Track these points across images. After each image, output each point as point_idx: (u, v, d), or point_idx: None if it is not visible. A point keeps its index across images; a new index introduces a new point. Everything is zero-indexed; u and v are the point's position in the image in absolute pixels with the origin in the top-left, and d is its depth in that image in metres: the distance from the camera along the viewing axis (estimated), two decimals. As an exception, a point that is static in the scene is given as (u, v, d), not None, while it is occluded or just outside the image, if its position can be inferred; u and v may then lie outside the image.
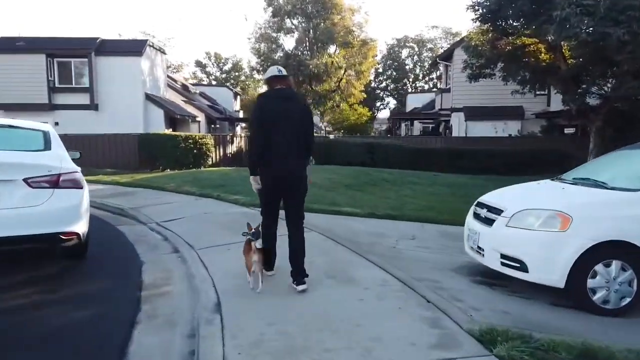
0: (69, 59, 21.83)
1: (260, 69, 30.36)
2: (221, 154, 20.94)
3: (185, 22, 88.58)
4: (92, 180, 12.74)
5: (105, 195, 10.19)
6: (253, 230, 4.05)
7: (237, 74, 67.73)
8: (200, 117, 29.06)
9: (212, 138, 19.12)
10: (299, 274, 4.09)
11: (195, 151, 17.69)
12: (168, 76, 32.17)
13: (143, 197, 9.84)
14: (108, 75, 21.80)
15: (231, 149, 21.34)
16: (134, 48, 22.28)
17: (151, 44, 23.60)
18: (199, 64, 67.99)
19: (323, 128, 68.75)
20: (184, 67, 65.32)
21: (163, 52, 25.79)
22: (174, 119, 24.31)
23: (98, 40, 22.30)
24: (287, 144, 4.01)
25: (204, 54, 73.02)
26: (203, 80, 58.67)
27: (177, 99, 28.45)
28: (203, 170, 14.76)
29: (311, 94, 28.61)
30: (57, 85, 21.89)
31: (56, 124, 21.97)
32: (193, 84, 41.93)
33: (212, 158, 18.99)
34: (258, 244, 4.00)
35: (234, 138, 23.42)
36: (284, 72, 4.26)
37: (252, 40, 29.56)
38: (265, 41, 29.09)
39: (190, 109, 28.72)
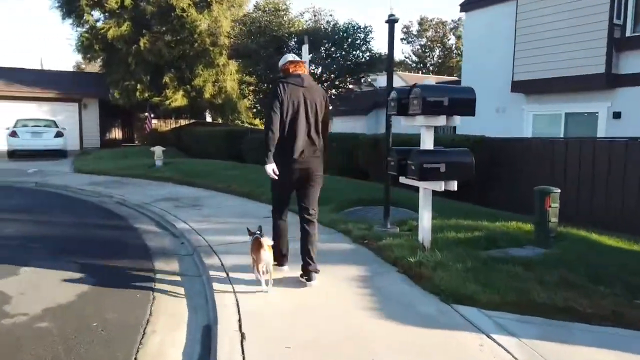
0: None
1: None
2: None
3: None
4: None
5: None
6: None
7: None
8: None
9: None
10: (311, 269, 3.99)
11: None
12: None
13: None
14: None
15: None
16: None
17: None
18: None
19: None
20: None
21: None
22: None
23: None
24: (306, 133, 3.95)
25: None
26: None
27: None
28: None
29: None
30: (627, 34, 10.35)
31: (615, 115, 10.57)
32: None
33: None
34: (269, 240, 3.84)
35: None
36: (298, 58, 4.18)
37: None
38: None
39: None
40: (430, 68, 52.30)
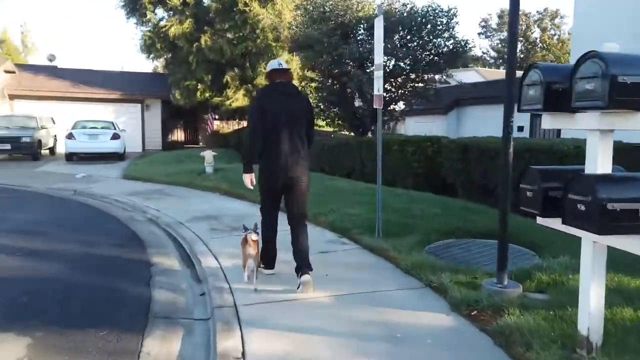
0: None
1: None
2: None
3: None
4: None
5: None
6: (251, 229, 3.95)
7: None
8: None
9: None
10: (303, 267, 3.93)
11: None
12: None
13: None
14: None
15: None
16: None
17: None
18: None
19: None
20: None
21: None
22: None
23: None
24: (290, 141, 3.92)
25: None
26: None
27: None
28: None
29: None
30: None
31: None
32: None
33: None
34: (254, 236, 3.88)
35: None
36: (285, 66, 4.15)
37: None
38: None
39: None
40: (511, 64, 48.11)
